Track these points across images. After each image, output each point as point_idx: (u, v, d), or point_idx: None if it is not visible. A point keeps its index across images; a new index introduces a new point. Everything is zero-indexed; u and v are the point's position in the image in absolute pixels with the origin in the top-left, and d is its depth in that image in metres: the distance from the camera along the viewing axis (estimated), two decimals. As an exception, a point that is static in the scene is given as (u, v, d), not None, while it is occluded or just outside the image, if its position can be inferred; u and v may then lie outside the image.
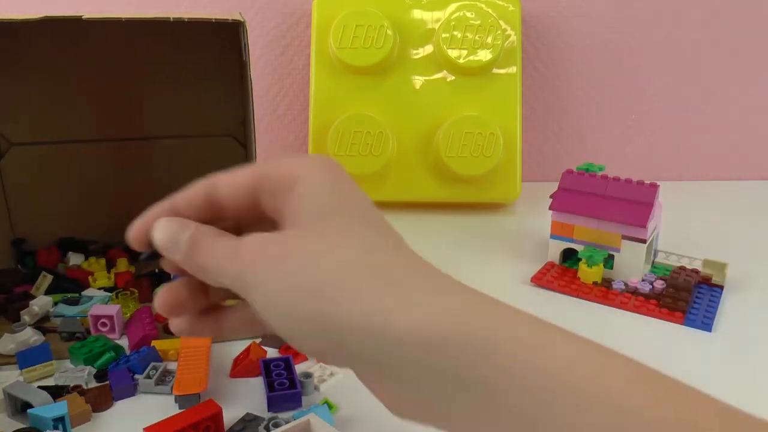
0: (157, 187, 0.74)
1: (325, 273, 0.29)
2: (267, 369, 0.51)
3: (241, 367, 0.53)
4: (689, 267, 0.69)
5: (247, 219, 0.35)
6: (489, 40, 0.85)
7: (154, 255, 0.34)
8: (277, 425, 0.45)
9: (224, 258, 0.31)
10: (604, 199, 0.67)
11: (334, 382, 0.52)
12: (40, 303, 0.61)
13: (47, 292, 0.64)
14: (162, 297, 0.34)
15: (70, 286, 0.66)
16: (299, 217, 0.31)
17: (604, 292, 0.66)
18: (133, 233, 0.33)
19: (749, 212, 0.89)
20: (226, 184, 0.33)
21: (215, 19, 0.53)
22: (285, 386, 0.49)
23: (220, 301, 0.36)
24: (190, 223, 0.33)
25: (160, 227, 0.33)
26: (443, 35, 0.85)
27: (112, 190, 0.72)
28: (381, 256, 0.30)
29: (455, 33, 0.85)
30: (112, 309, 0.58)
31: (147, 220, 0.33)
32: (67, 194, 0.72)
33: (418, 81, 0.87)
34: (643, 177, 0.69)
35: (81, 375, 0.52)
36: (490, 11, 0.86)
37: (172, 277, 0.36)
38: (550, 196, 0.70)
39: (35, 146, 0.70)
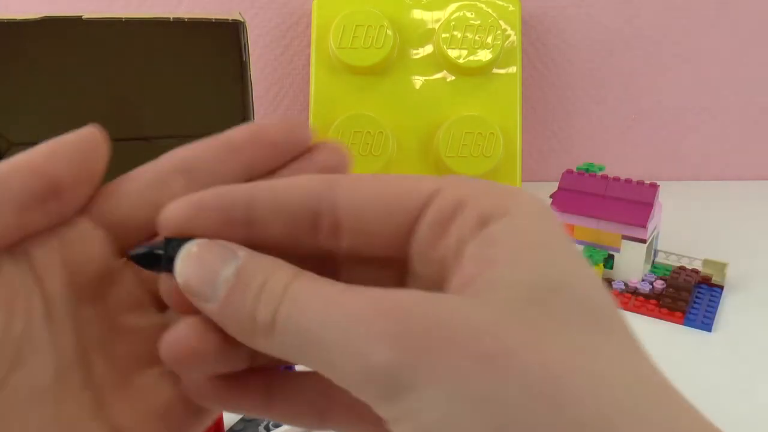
0: (157, 187, 0.74)
1: (592, 405, 0.16)
2: (267, 369, 0.51)
3: (241, 367, 0.53)
4: (689, 267, 0.69)
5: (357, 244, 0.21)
6: (489, 40, 0.85)
7: (158, 259, 0.21)
8: (277, 425, 0.45)
9: (344, 322, 0.17)
10: (604, 199, 0.67)
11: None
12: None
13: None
14: (174, 337, 0.20)
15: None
16: (500, 281, 0.17)
17: (604, 292, 0.66)
18: (171, 222, 0.20)
19: (749, 212, 0.89)
20: (363, 191, 0.20)
21: (215, 19, 0.53)
22: (285, 386, 0.49)
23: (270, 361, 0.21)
24: (240, 249, 0.20)
25: (189, 256, 0.20)
26: (443, 35, 0.85)
27: (112, 190, 0.72)
28: (656, 385, 0.18)
29: (455, 33, 0.85)
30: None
31: (196, 214, 0.20)
32: (67, 194, 0.72)
33: (418, 81, 0.87)
34: (643, 177, 0.69)
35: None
36: (490, 11, 0.85)
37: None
38: (550, 196, 0.70)
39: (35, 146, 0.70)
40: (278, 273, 0.19)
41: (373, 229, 0.20)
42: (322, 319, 0.18)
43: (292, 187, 0.21)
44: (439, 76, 0.87)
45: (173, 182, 0.22)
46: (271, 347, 0.19)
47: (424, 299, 0.17)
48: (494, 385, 0.16)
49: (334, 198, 0.20)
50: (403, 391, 0.16)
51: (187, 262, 0.20)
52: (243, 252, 0.20)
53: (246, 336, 0.19)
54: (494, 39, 0.85)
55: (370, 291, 0.18)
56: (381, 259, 0.21)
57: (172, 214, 0.20)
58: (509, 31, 0.87)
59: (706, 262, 0.68)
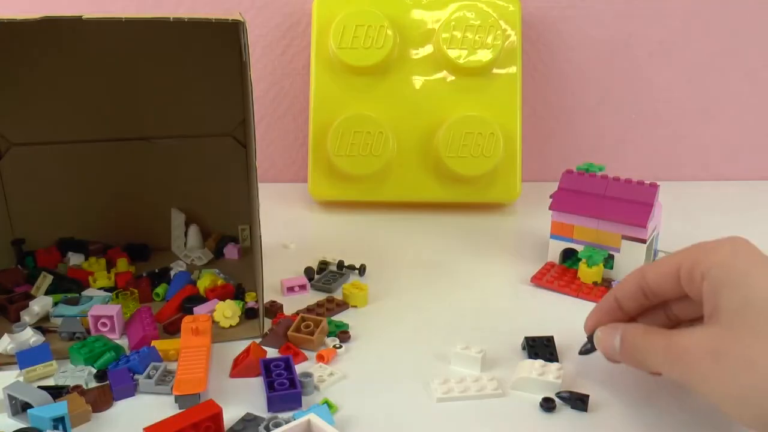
0: (156, 187, 0.74)
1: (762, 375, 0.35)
2: (267, 369, 0.51)
3: (241, 367, 0.53)
4: (689, 267, 0.69)
5: (674, 299, 0.45)
6: (489, 40, 0.85)
7: (591, 349, 0.50)
8: (277, 425, 0.45)
9: (662, 358, 0.40)
10: (604, 199, 0.67)
11: (334, 381, 0.52)
12: (40, 303, 0.61)
13: (47, 293, 0.64)
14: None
15: (71, 286, 0.66)
16: (722, 309, 0.38)
17: (604, 292, 0.66)
18: (588, 329, 0.50)
19: (749, 212, 0.89)
20: (653, 272, 0.45)
21: (215, 19, 0.53)
22: (285, 386, 0.49)
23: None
24: (618, 326, 0.45)
25: (597, 338, 0.48)
26: (443, 35, 0.85)
27: (111, 191, 0.72)
28: None
29: (455, 33, 0.85)
30: (112, 309, 0.58)
31: (596, 318, 0.49)
32: (67, 194, 0.72)
33: (418, 81, 0.87)
34: (643, 177, 0.68)
35: (81, 375, 0.52)
36: (490, 11, 0.86)
37: None
38: (550, 196, 0.70)
39: (35, 146, 0.70)
40: (641, 336, 0.44)
41: (663, 289, 0.46)
42: (654, 357, 0.42)
43: (629, 280, 0.49)
44: (439, 76, 0.87)
45: None
46: (645, 369, 0.46)
47: (688, 334, 0.41)
48: (720, 372, 0.38)
49: (645, 278, 0.47)
50: (692, 387, 0.40)
51: (597, 339, 0.48)
52: (621, 327, 0.46)
53: (635, 365, 0.46)
54: (494, 39, 0.85)
55: (668, 332, 0.43)
56: (680, 301, 0.48)
57: (589, 328, 0.51)
58: (509, 31, 0.87)
59: (706, 262, 0.68)
